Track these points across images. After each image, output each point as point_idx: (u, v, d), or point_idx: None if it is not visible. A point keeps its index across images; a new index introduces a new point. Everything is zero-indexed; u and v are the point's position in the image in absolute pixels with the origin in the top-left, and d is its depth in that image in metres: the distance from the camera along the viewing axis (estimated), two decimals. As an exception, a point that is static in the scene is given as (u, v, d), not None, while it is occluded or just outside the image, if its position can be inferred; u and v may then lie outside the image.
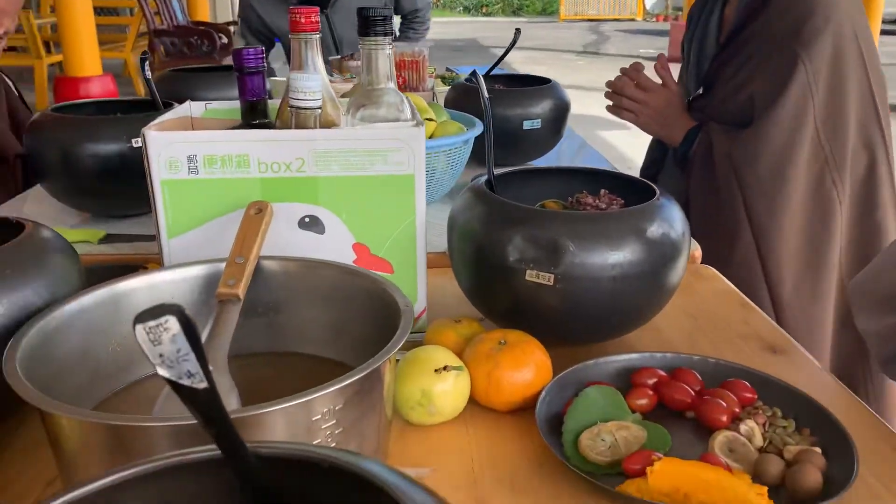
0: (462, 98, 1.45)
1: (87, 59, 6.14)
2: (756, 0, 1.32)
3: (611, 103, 1.45)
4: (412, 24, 2.79)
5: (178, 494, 0.38)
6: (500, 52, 1.62)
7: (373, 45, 0.81)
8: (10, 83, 1.54)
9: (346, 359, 0.72)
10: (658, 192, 0.79)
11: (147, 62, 1.13)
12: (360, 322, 0.70)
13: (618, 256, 0.71)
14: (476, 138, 1.25)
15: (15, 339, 0.57)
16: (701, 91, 1.47)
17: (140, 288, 0.67)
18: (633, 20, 18.27)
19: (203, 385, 0.32)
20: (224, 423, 0.34)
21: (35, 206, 1.28)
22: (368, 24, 0.80)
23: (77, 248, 0.78)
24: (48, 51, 7.11)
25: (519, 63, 10.49)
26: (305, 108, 0.80)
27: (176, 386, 0.32)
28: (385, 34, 0.80)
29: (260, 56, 0.88)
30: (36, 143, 1.13)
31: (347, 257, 0.82)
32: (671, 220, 0.76)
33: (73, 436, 0.52)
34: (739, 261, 1.31)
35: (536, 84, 1.51)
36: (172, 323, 0.30)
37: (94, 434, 0.51)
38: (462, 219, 0.80)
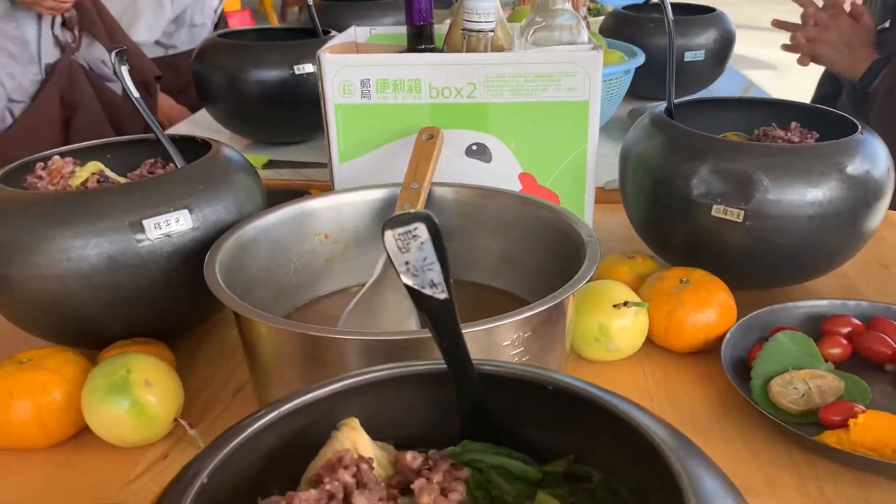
0: (619, 27, 1.38)
1: (227, -6, 6.34)
2: None
3: (788, 42, 1.34)
4: None
5: (391, 404, 0.38)
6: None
7: (551, -37, 0.77)
8: None
9: (517, 289, 0.71)
10: (860, 125, 0.72)
11: (310, -11, 1.14)
12: (533, 252, 0.69)
13: (816, 194, 0.66)
14: (635, 69, 1.19)
15: (212, 251, 0.59)
16: (888, 24, 1.33)
17: (322, 208, 0.68)
18: (781, -49, 16.91)
19: (444, 296, 0.31)
20: (456, 336, 0.33)
21: (199, 131, 1.33)
22: (548, -59, 0.76)
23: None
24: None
25: (655, -2, 9.92)
26: (479, 31, 0.78)
27: (416, 294, 0.31)
28: (566, -49, 0.76)
29: (429, -22, 0.85)
30: (203, 68, 1.17)
31: (513, 187, 0.80)
32: (875, 157, 0.69)
33: (270, 344, 0.53)
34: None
35: (700, 13, 1.41)
36: (422, 231, 0.29)
37: (291, 343, 0.52)
38: (639, 149, 0.76)
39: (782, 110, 0.82)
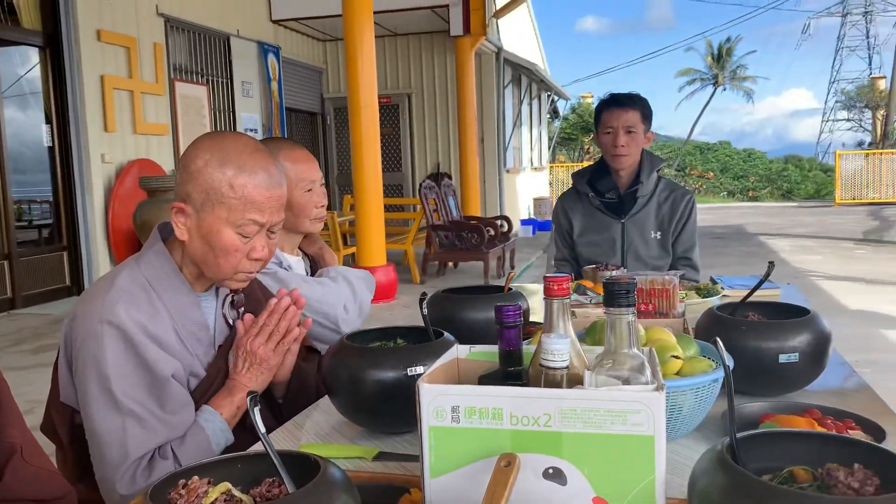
0: (714, 327, 1.47)
1: (376, 251, 7.02)
2: None
3: None
4: (679, 266, 2.70)
5: None
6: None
7: (616, 314, 0.89)
8: None
9: None
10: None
11: (425, 302, 1.32)
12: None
13: (870, 550, 0.68)
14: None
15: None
16: None
17: (404, 534, 0.78)
18: (923, 202, 16.76)
19: None
20: None
21: (322, 415, 1.49)
22: (613, 297, 0.89)
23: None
24: (345, 243, 8.23)
25: (788, 252, 9.96)
26: (553, 368, 0.90)
27: None
28: (628, 305, 0.89)
29: (518, 313, 1.00)
30: (331, 366, 1.35)
31: (588, 509, 0.87)
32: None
33: None
34: None
35: (794, 315, 1.48)
36: None
37: None
38: (702, 484, 0.81)
39: (853, 448, 0.86)
